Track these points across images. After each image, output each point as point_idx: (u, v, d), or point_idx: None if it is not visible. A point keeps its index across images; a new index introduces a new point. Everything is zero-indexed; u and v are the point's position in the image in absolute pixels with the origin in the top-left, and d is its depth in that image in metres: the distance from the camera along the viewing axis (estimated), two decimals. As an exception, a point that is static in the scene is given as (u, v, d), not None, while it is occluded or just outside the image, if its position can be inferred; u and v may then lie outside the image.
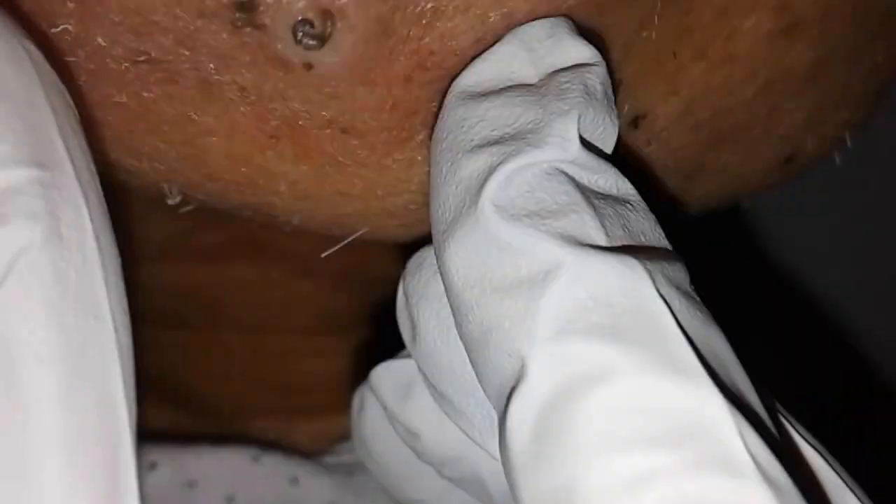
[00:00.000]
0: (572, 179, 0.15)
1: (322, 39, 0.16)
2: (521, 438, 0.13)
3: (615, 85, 0.19)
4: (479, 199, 0.15)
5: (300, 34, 0.16)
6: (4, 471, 0.13)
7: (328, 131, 0.17)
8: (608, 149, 0.17)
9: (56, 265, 0.13)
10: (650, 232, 0.15)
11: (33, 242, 0.13)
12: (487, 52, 0.17)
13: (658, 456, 0.12)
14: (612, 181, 0.16)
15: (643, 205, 0.16)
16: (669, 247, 0.16)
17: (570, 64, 0.17)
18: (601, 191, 0.16)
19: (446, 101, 0.17)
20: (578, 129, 0.15)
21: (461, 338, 0.15)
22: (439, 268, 0.16)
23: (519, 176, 0.15)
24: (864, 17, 0.22)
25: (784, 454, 0.13)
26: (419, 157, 0.18)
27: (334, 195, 0.19)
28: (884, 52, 0.23)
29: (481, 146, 0.16)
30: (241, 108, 0.17)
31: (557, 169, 0.15)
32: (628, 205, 0.16)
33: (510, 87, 0.17)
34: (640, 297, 0.14)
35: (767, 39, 0.21)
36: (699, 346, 0.13)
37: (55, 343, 0.13)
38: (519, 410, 0.13)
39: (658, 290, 0.14)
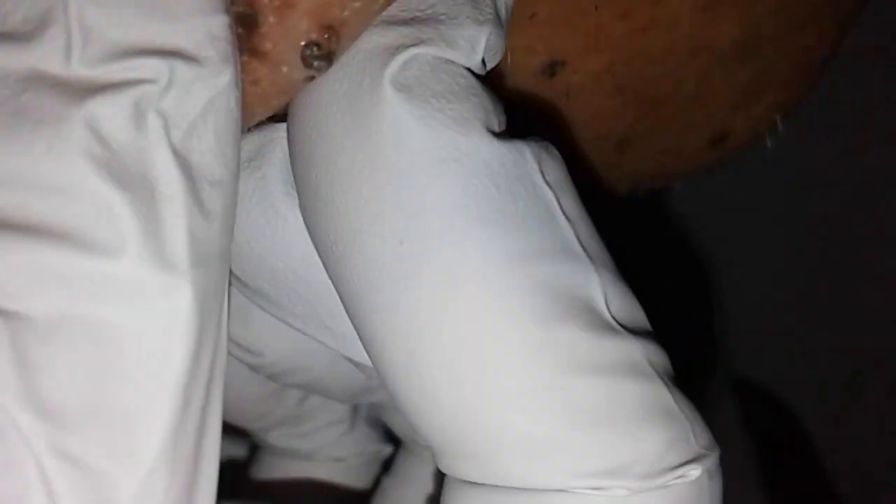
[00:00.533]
0: (469, 70, 0.16)
1: (330, 59, 0.15)
2: None
3: (528, 17, 0.20)
4: (382, 76, 0.15)
5: (309, 57, 0.15)
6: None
7: None
8: (491, 66, 0.17)
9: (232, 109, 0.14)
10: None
11: (227, 83, 0.14)
12: None
13: None
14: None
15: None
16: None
17: None
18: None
19: None
20: (484, 48, 0.16)
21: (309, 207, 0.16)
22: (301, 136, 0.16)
23: (421, 60, 0.15)
24: (786, 4, 0.22)
25: None
26: None
27: None
28: (815, 37, 0.24)
29: (389, 23, 0.16)
30: None
31: (456, 63, 0.16)
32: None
33: None
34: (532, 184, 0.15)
35: (692, 11, 0.21)
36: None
37: None
38: None
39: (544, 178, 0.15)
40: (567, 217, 0.15)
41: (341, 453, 0.28)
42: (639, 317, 0.16)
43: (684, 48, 0.22)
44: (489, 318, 0.14)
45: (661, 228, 0.34)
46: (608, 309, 0.15)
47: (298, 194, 0.16)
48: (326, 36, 0.15)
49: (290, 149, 0.17)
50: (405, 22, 0.16)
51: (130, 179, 0.13)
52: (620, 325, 0.15)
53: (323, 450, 0.27)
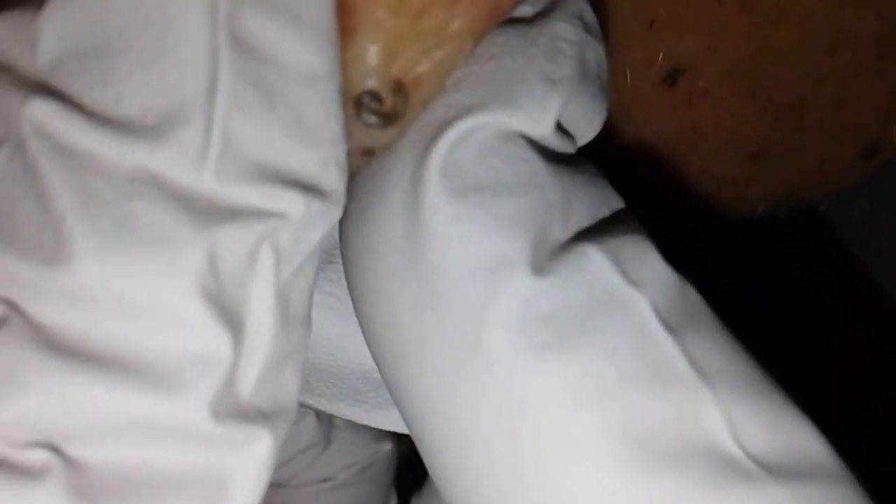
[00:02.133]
0: (533, 145, 0.14)
1: (391, 119, 0.14)
2: None
3: (647, 26, 0.18)
4: (425, 166, 0.13)
5: (363, 111, 0.14)
6: None
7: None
8: (584, 140, 0.15)
9: None
10: (609, 200, 0.14)
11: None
12: None
13: None
14: (582, 167, 0.14)
15: (597, 173, 0.14)
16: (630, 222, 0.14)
17: (569, 14, 0.15)
18: (561, 162, 0.14)
19: None
20: (559, 112, 0.14)
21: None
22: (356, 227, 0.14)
23: (474, 135, 0.13)
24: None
25: None
26: None
27: None
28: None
29: (443, 90, 0.14)
30: None
31: (516, 132, 0.14)
32: (590, 177, 0.14)
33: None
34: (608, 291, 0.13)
35: (832, 2, 0.19)
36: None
37: None
38: None
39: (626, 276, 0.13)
40: (666, 325, 0.13)
41: (325, 473, 0.25)
42: (797, 441, 0.12)
43: (820, 44, 0.20)
44: (568, 459, 0.12)
45: (806, 251, 0.30)
46: (738, 444, 0.12)
47: (352, 296, 0.15)
48: (392, 94, 0.13)
49: (342, 251, 0.15)
50: (456, 84, 0.14)
51: (229, 318, 0.12)
52: (760, 464, 0.12)
53: (300, 475, 0.25)
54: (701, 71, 0.19)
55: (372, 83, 0.13)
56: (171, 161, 0.11)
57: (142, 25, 0.12)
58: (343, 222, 0.15)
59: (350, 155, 0.13)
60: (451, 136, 0.13)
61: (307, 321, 0.13)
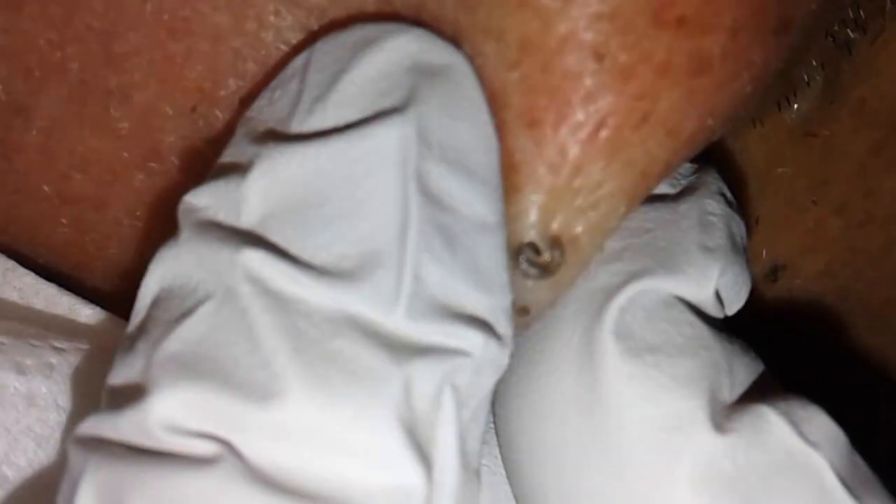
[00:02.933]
0: (693, 309, 0.15)
1: (548, 271, 0.14)
2: None
3: (753, 223, 0.20)
4: (598, 331, 0.14)
5: (523, 261, 0.14)
6: None
7: None
8: (731, 310, 0.16)
9: None
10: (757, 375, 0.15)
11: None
12: None
13: None
14: (731, 335, 0.15)
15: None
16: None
17: (712, 192, 0.17)
18: (717, 327, 0.15)
19: None
20: (718, 278, 0.15)
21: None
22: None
23: (640, 299, 0.14)
24: None
25: None
26: None
27: None
28: None
29: (601, 258, 0.15)
30: None
31: (676, 297, 0.15)
32: (743, 344, 0.15)
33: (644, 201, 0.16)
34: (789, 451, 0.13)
35: None
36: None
37: None
38: None
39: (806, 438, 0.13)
40: (847, 488, 0.13)
41: None
42: None
43: (902, 246, 0.21)
44: None
45: None
46: None
47: (512, 468, 0.15)
48: (550, 249, 0.15)
49: (496, 424, 0.16)
50: (618, 254, 0.15)
51: (423, 455, 0.12)
52: None
53: None
54: (799, 269, 0.21)
55: (532, 235, 0.14)
56: (368, 301, 0.12)
57: (337, 183, 0.13)
58: (499, 396, 0.15)
59: None
60: (621, 299, 0.14)
61: (479, 474, 0.13)
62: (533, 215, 0.14)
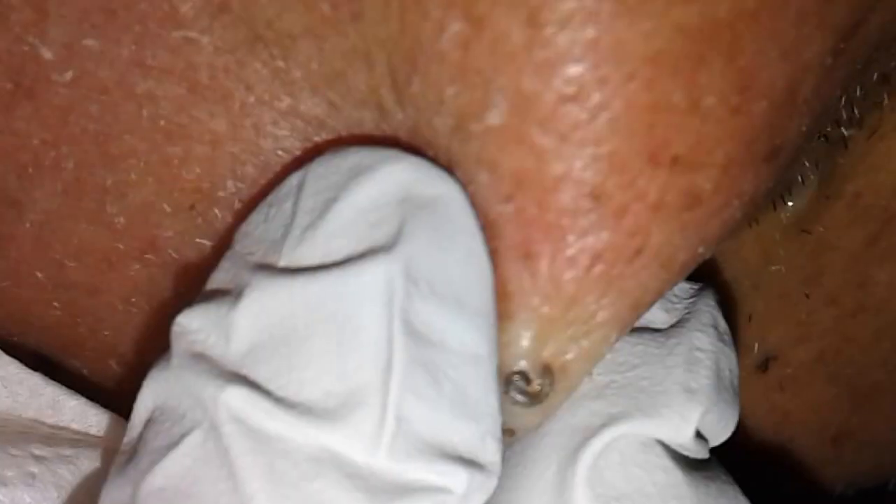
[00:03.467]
0: (670, 452, 0.15)
1: (537, 399, 0.15)
2: None
3: (746, 320, 0.20)
4: (571, 474, 0.14)
5: (512, 389, 0.14)
6: None
7: None
8: (716, 442, 0.16)
9: None
10: None
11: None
12: None
13: None
14: (713, 473, 0.15)
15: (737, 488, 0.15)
16: None
17: (703, 324, 0.16)
18: (695, 469, 0.15)
19: None
20: (698, 421, 0.15)
21: None
22: None
23: (616, 443, 0.15)
24: None
25: None
26: None
27: None
28: None
29: (582, 393, 0.15)
30: None
31: (657, 440, 0.15)
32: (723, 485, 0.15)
33: (634, 329, 0.16)
34: None
35: None
36: None
37: None
38: None
39: None
40: None
41: None
42: None
43: (894, 333, 0.21)
44: None
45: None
46: None
47: None
48: (540, 377, 0.15)
49: None
50: (600, 391, 0.15)
51: None
52: None
53: None
54: (790, 358, 0.21)
55: (523, 364, 0.14)
56: (349, 441, 0.12)
57: (324, 318, 0.13)
58: None
59: None
60: (597, 445, 0.14)
61: None
62: (525, 344, 0.14)
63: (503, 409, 0.14)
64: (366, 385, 0.13)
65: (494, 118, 0.13)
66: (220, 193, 0.16)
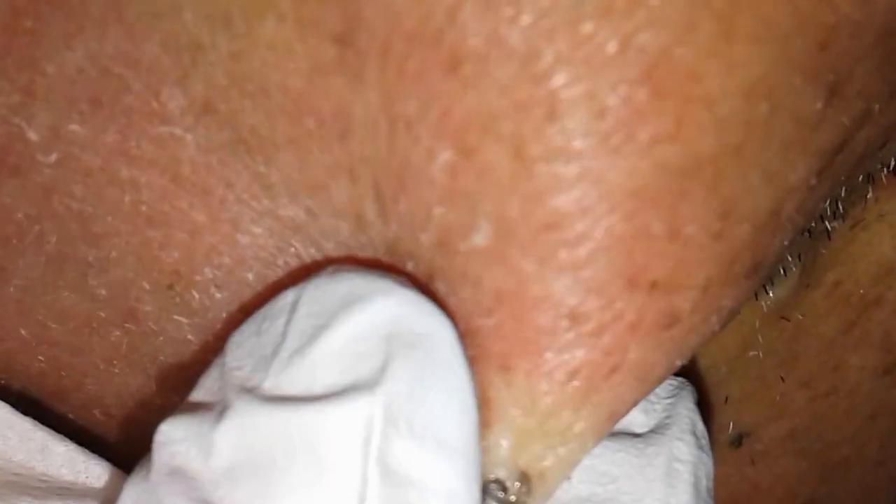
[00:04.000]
0: None
1: None
2: None
3: (723, 401, 0.20)
4: None
5: (489, 497, 0.14)
6: None
7: None
8: None
9: None
10: None
11: None
12: None
13: None
14: None
15: None
16: None
17: (682, 431, 0.16)
18: None
19: None
20: None
21: None
22: None
23: None
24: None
25: None
26: None
27: None
28: None
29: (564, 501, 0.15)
30: None
31: None
32: None
33: (613, 432, 0.16)
34: None
35: (873, 376, 0.21)
36: None
37: None
38: None
39: None
40: None
41: None
42: None
43: (864, 412, 0.22)
44: None
45: None
46: None
47: None
48: (518, 484, 0.15)
49: None
50: (582, 502, 0.15)
51: None
52: None
53: None
54: (761, 435, 0.21)
55: (500, 472, 0.15)
56: None
57: (303, 450, 0.13)
58: None
59: None
60: None
61: None
62: (502, 452, 0.14)
63: None
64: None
65: (479, 240, 0.14)
66: (198, 278, 0.16)
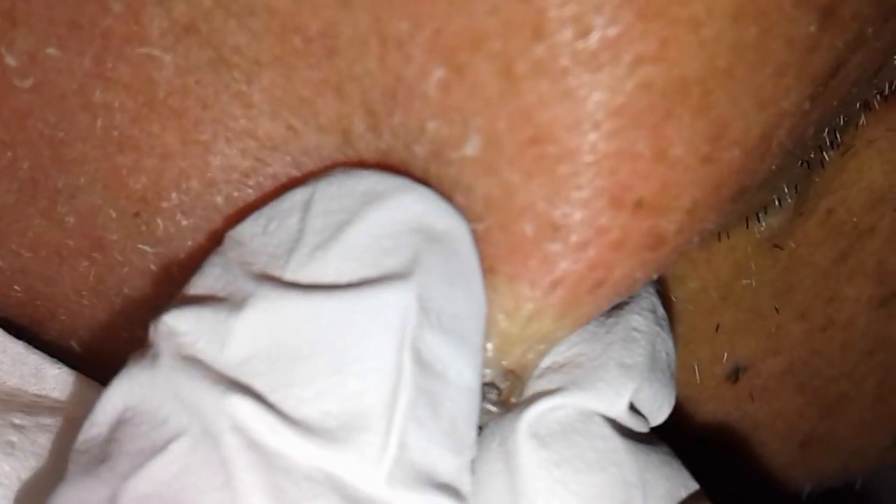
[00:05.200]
0: (609, 422, 0.15)
1: (506, 406, 0.15)
2: None
3: (713, 329, 0.20)
4: (515, 444, 0.15)
5: (484, 400, 0.15)
6: None
7: None
8: (655, 422, 0.17)
9: None
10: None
11: None
12: None
13: None
14: (654, 446, 0.16)
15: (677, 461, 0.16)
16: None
17: (642, 308, 0.17)
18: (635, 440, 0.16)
19: None
20: (631, 395, 0.15)
21: None
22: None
23: (555, 413, 0.15)
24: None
25: None
26: None
27: None
28: None
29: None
30: None
31: (594, 411, 0.15)
32: (664, 456, 0.16)
33: None
34: None
35: (868, 308, 0.21)
36: None
37: None
38: None
39: None
40: None
41: None
42: None
43: (861, 347, 0.22)
44: None
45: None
46: None
47: None
48: (508, 382, 0.15)
49: None
50: (542, 371, 0.16)
51: None
52: None
53: None
54: (760, 370, 0.21)
55: (489, 375, 0.15)
56: (351, 465, 0.13)
57: (332, 338, 0.13)
58: None
59: None
60: (534, 412, 0.15)
61: None
62: (488, 355, 0.15)
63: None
64: (369, 409, 0.13)
65: (470, 150, 0.14)
66: (164, 204, 0.16)
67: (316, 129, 0.15)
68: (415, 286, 0.13)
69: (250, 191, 0.16)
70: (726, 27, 0.13)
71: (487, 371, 0.15)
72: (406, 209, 0.14)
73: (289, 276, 0.14)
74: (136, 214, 0.16)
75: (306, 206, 0.14)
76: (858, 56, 0.15)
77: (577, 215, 0.14)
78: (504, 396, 0.15)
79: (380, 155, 0.15)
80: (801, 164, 0.18)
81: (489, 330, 0.15)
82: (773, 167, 0.15)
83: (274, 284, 0.14)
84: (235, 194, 0.16)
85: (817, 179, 0.20)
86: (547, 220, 0.14)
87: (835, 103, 0.16)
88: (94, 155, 0.16)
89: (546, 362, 0.16)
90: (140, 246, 0.17)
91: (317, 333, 0.13)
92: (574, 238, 0.14)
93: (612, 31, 0.13)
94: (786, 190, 0.18)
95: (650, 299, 0.17)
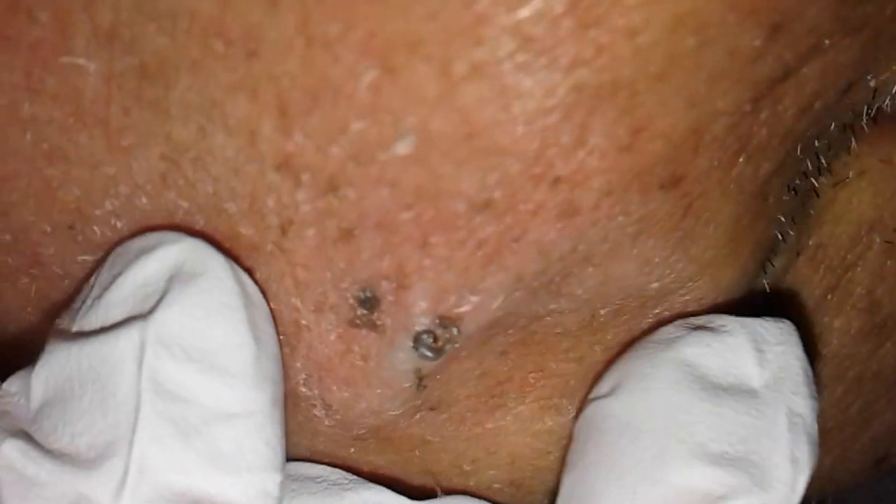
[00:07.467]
0: None
1: (440, 352, 0.16)
2: None
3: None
4: None
5: (421, 346, 0.16)
6: None
7: (418, 416, 0.18)
8: None
9: None
10: None
11: None
12: (712, 336, 0.17)
13: None
14: None
15: None
16: None
17: (798, 384, 0.16)
18: None
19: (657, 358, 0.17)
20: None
21: None
22: None
23: None
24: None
25: None
26: (511, 426, 0.18)
27: (422, 474, 0.19)
28: None
29: (697, 456, 0.16)
30: (326, 422, 0.17)
31: None
32: None
33: (732, 386, 0.16)
34: None
35: (857, 339, 0.21)
36: None
37: None
38: None
39: None
40: None
41: None
42: None
43: (850, 377, 0.22)
44: None
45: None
46: None
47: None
48: (443, 328, 0.16)
49: None
50: (716, 459, 0.15)
51: None
52: None
53: None
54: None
55: (425, 322, 0.16)
56: (96, 486, 0.14)
57: (92, 379, 0.15)
58: None
59: (405, 376, 0.16)
60: None
61: None
62: (423, 305, 0.16)
63: (415, 363, 0.16)
64: (117, 438, 0.15)
65: (402, 149, 0.14)
66: (98, 212, 0.16)
67: (223, 131, 0.15)
68: (152, 323, 0.15)
69: (170, 191, 0.16)
70: (663, 37, 0.14)
71: (424, 319, 0.16)
72: (167, 258, 0.15)
73: (75, 327, 0.16)
74: (71, 227, 0.17)
75: (102, 265, 0.16)
76: (814, 65, 0.15)
77: (501, 192, 0.15)
78: (440, 343, 0.16)
79: (282, 158, 0.15)
80: (789, 190, 0.18)
81: (424, 286, 0.15)
82: (715, 162, 0.15)
83: (59, 337, 0.16)
84: (157, 195, 0.16)
85: (812, 212, 0.19)
86: (476, 200, 0.15)
87: (796, 112, 0.16)
88: (25, 170, 0.16)
89: (717, 449, 0.16)
90: (80, 257, 0.17)
91: (83, 376, 0.15)
92: (497, 210, 0.15)
93: (552, 38, 0.13)
94: (783, 220, 0.18)
95: (802, 367, 0.17)
